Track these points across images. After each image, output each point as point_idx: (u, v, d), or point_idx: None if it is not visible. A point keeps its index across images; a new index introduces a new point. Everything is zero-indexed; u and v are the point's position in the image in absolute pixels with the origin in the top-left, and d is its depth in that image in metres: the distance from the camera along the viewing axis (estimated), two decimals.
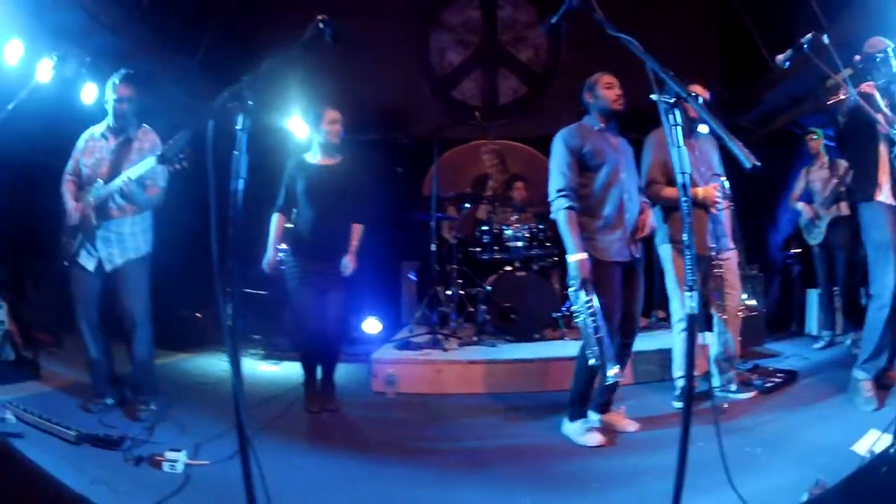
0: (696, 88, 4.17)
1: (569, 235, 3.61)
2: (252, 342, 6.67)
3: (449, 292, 6.45)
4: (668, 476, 2.13)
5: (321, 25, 2.58)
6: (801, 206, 6.26)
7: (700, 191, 4.13)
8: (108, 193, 4.00)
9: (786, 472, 2.99)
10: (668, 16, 7.80)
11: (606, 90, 3.77)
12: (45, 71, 4.43)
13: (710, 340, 4.34)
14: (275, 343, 6.51)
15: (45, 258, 6.18)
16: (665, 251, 4.31)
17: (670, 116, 2.09)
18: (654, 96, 2.13)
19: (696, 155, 4.24)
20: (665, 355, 4.59)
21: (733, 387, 4.30)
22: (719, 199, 4.11)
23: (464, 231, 6.99)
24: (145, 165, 3.90)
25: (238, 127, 2.20)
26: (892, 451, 1.96)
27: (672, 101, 2.09)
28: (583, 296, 3.57)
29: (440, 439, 3.92)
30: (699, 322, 3.88)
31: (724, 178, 4.18)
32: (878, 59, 3.75)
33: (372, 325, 6.89)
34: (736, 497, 2.51)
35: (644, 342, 5.16)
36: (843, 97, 3.59)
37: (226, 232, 2.18)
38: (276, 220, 4.50)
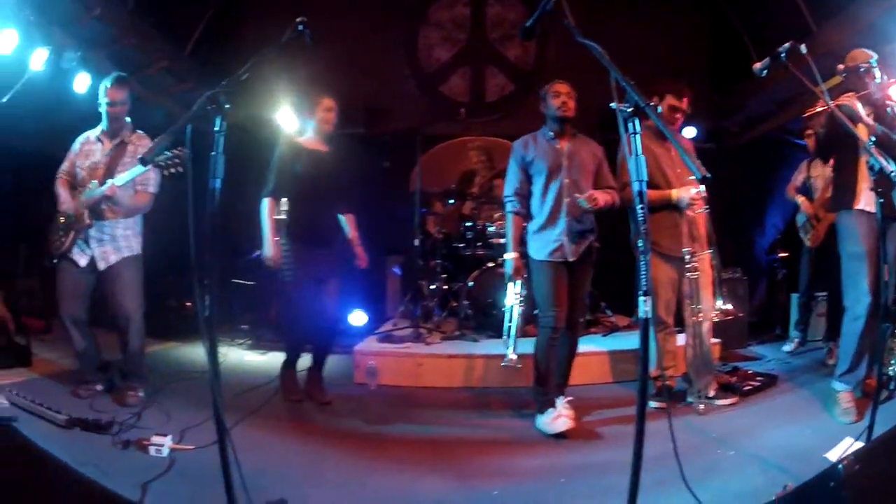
0: (682, 103, 4.30)
1: (507, 236, 4.15)
2: (239, 332, 6.75)
3: (432, 287, 6.49)
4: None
5: (300, 28, 2.66)
6: (800, 200, 6.01)
7: (674, 193, 4.18)
8: (100, 194, 4.04)
9: (754, 477, 3.01)
10: (658, 17, 7.86)
11: (553, 99, 4.01)
12: (38, 61, 4.49)
13: (685, 342, 4.37)
14: (261, 333, 6.58)
15: (36, 246, 6.25)
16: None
17: (629, 125, 2.14)
18: (613, 105, 2.18)
19: (672, 157, 4.30)
20: None
21: (711, 391, 4.28)
22: (695, 201, 4.14)
23: (449, 227, 7.00)
24: (132, 173, 3.98)
25: (216, 129, 2.27)
26: (840, 466, 1.96)
27: (630, 110, 2.13)
28: (511, 289, 4.40)
29: (416, 431, 3.99)
30: (655, 325, 4.19)
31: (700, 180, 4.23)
32: (861, 70, 3.83)
33: (358, 318, 6.94)
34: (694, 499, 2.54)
35: (623, 341, 5.28)
36: (819, 109, 3.64)
37: (204, 228, 2.26)
38: (267, 206, 4.35)
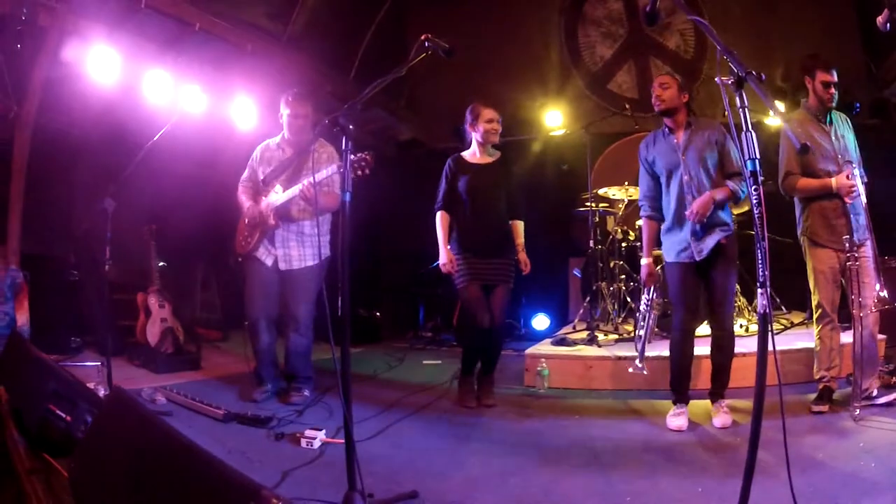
0: (831, 75, 4.03)
1: (643, 241, 4.16)
2: (422, 338, 7.27)
3: (611, 288, 6.43)
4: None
5: (427, 44, 2.78)
6: None
7: (834, 181, 3.92)
8: (287, 199, 4.30)
9: (884, 493, 2.76)
10: None
11: (652, 94, 3.96)
12: (193, 100, 4.90)
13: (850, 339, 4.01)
14: (442, 339, 7.00)
15: (211, 264, 6.88)
16: (804, 244, 4.16)
17: (737, 99, 2.07)
18: (717, 80, 2.15)
19: (831, 139, 4.04)
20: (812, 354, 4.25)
21: (874, 391, 3.93)
22: (853, 187, 3.86)
23: (628, 225, 6.87)
24: (326, 172, 4.17)
25: (343, 147, 2.45)
26: None
27: (731, 82, 2.08)
28: (644, 294, 4.46)
29: (571, 433, 3.92)
30: (820, 320, 4.03)
31: (855, 165, 3.94)
32: None
33: (541, 322, 7.12)
34: None
35: (796, 339, 5.00)
36: None
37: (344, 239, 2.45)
38: (440, 219, 4.52)
